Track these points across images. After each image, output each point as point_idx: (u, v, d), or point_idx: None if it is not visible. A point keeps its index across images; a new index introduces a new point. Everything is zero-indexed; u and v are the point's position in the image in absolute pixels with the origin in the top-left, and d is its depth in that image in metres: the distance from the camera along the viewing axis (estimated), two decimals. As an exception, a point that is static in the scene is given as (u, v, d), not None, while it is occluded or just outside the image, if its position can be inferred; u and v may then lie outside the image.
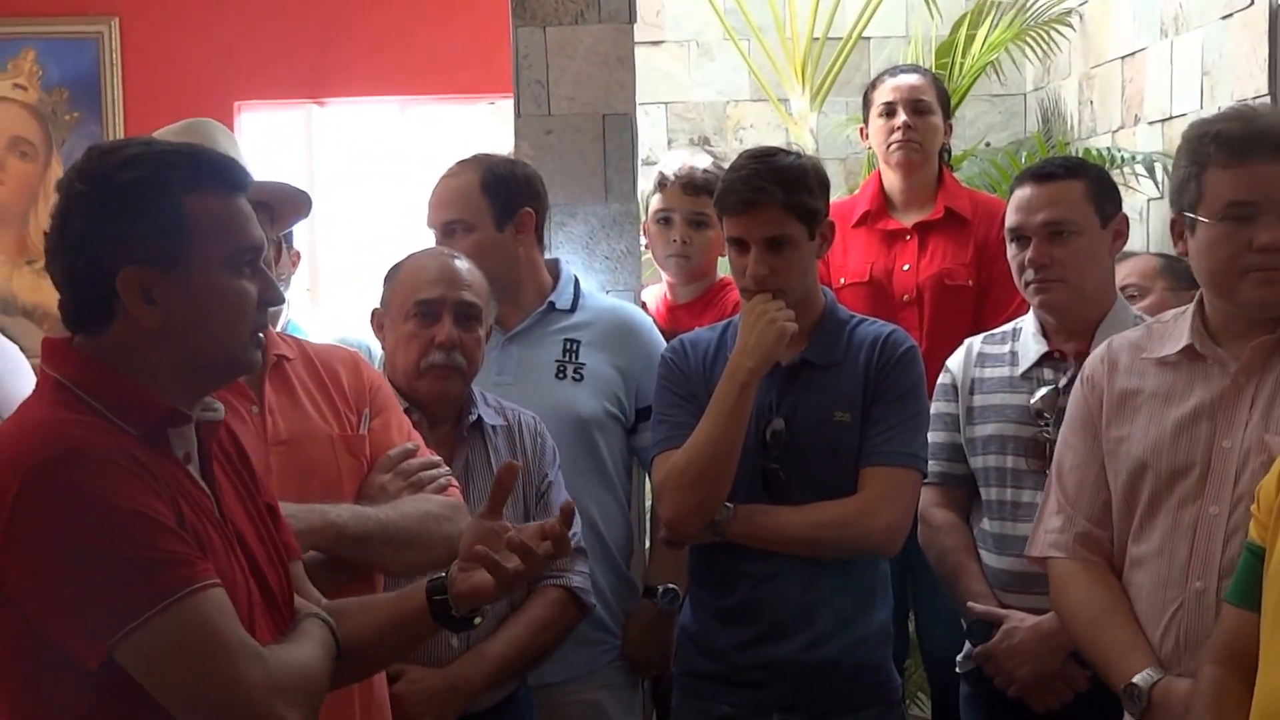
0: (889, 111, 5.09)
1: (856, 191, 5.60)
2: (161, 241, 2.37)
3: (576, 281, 4.30)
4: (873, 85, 5.24)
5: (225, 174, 2.45)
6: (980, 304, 4.91)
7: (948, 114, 5.19)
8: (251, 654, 2.30)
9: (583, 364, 4.13)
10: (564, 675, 4.00)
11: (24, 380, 5.95)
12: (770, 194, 3.56)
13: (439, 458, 3.34)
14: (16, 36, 7.95)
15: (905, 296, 4.93)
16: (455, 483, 3.33)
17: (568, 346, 4.14)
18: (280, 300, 2.56)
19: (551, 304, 4.18)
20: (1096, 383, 3.37)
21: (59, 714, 2.31)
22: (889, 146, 5.08)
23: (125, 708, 2.28)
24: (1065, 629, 3.56)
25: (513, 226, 4.11)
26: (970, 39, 7.18)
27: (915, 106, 5.04)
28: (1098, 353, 3.43)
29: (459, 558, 2.67)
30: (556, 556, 2.63)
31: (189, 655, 2.25)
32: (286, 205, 3.35)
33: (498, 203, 4.10)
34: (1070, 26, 7.23)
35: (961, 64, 7.15)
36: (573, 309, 4.21)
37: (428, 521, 3.02)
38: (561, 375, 4.11)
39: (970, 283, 4.91)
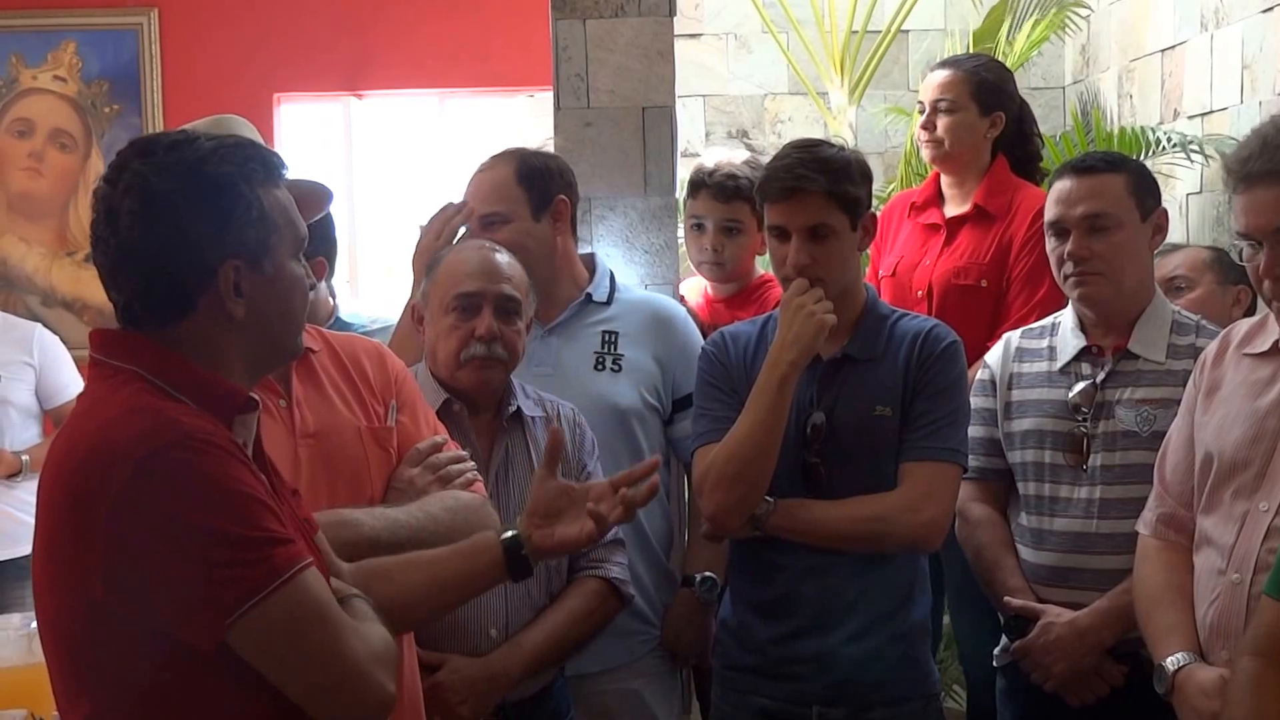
0: (920, 109, 5.08)
1: (908, 186, 5.58)
2: (256, 234, 2.43)
3: (611, 274, 4.32)
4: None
5: (280, 167, 2.53)
6: (999, 303, 4.84)
7: (996, 107, 5.01)
8: (351, 628, 2.37)
9: (621, 355, 4.14)
10: (603, 665, 4.02)
11: (67, 371, 6.03)
12: (813, 182, 3.55)
13: (465, 452, 3.35)
14: (57, 28, 8.00)
15: (919, 292, 4.89)
16: (480, 478, 3.33)
17: (606, 338, 4.15)
18: (310, 288, 2.62)
19: (589, 296, 4.19)
20: (1203, 367, 3.43)
21: (144, 701, 2.34)
22: (918, 146, 5.09)
23: (219, 693, 2.32)
24: (1105, 623, 3.62)
25: (549, 216, 4.12)
26: (999, 28, 7.16)
27: (937, 106, 4.99)
28: (1218, 338, 3.49)
29: (529, 513, 2.89)
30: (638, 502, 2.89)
31: (303, 631, 2.31)
32: (310, 200, 3.36)
33: (534, 193, 4.11)
34: (1088, 7, 7.23)
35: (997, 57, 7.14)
36: (609, 301, 4.23)
37: (456, 523, 3.02)
38: (600, 367, 4.13)
39: (984, 283, 4.81)
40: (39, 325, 6.20)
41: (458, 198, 4.21)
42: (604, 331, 4.17)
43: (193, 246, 2.39)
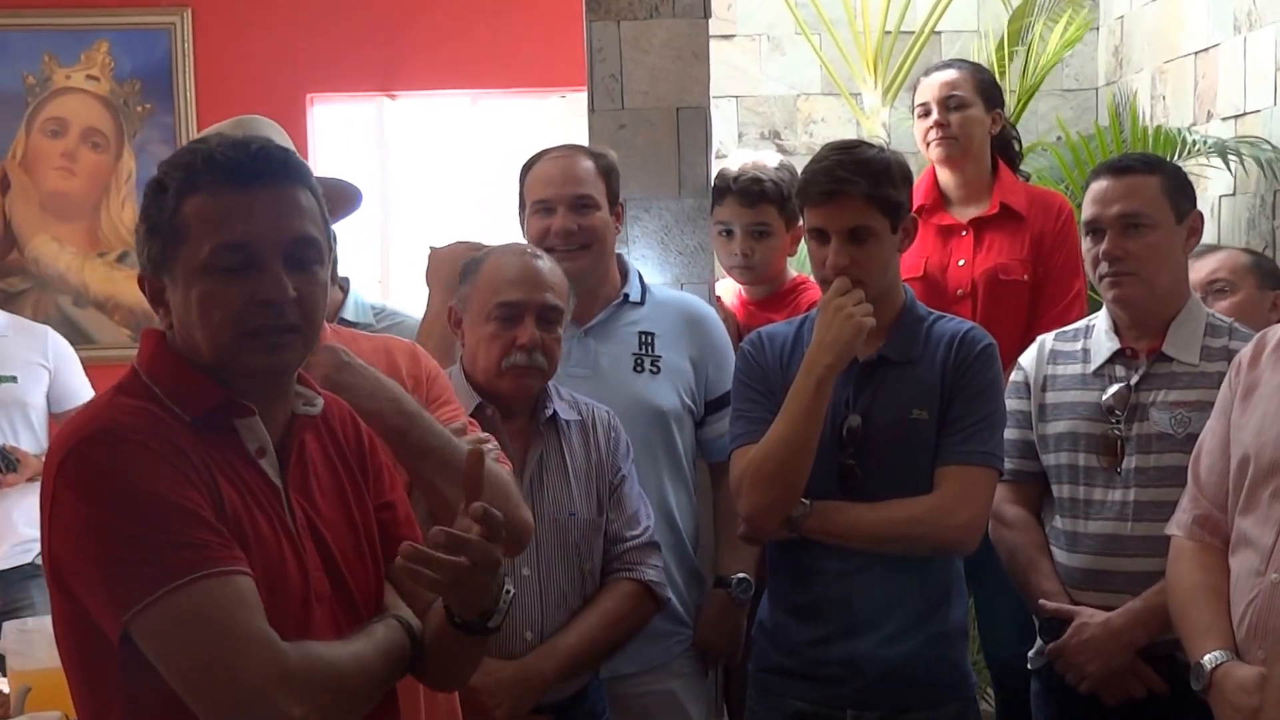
0: (925, 111, 5.07)
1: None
2: (158, 246, 2.40)
3: (640, 274, 4.34)
4: (915, 85, 5.22)
5: (226, 169, 2.37)
6: (1035, 298, 4.89)
7: (997, 104, 5.11)
8: (260, 644, 2.27)
9: (659, 356, 4.15)
10: (639, 666, 4.03)
11: (77, 376, 6.03)
12: (853, 184, 3.55)
13: (489, 435, 3.33)
14: (90, 28, 8.00)
15: (959, 291, 4.90)
16: (507, 460, 3.32)
17: (643, 339, 4.16)
18: (280, 296, 2.36)
19: (626, 296, 4.21)
20: (1239, 369, 3.40)
21: (107, 684, 2.36)
22: (928, 145, 5.08)
23: (153, 683, 2.30)
24: (1138, 622, 3.61)
25: (614, 215, 4.18)
26: (1030, 29, 7.16)
27: (948, 103, 4.99)
28: (1253, 340, 3.47)
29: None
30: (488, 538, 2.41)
31: (193, 638, 2.25)
32: (339, 198, 3.33)
33: (609, 190, 4.17)
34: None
35: (1028, 58, 7.13)
36: (642, 301, 4.24)
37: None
38: (640, 368, 4.13)
39: (1025, 278, 4.88)
40: (49, 329, 6.19)
41: (487, 197, 4.21)
42: (640, 332, 4.17)
43: (141, 255, 2.45)
